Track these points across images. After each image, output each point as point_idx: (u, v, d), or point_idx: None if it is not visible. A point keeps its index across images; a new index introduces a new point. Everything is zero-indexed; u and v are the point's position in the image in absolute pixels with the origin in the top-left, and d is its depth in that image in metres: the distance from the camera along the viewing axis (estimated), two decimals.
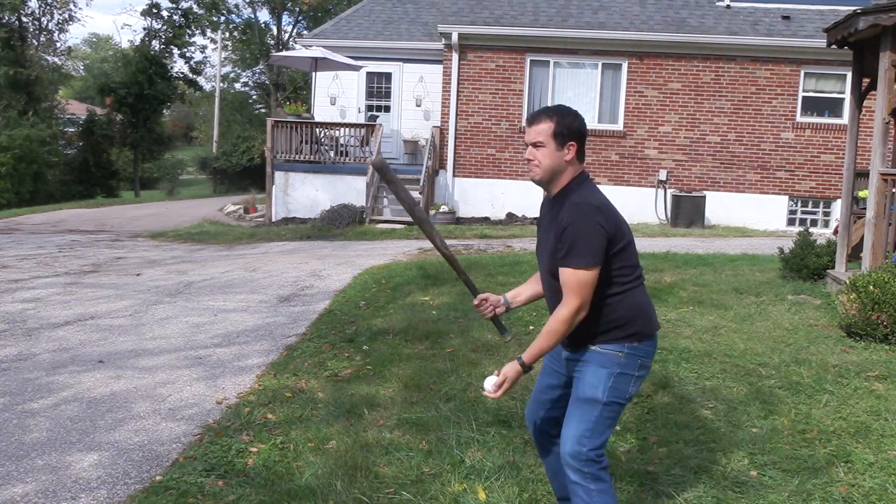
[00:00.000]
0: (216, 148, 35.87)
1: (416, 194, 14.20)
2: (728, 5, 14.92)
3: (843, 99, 14.08)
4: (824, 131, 14.48)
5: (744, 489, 3.31)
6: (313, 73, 16.40)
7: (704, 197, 14.11)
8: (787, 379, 4.63)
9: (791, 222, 14.68)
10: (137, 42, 32.27)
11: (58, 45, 32.08)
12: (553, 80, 14.71)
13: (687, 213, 13.91)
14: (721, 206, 14.48)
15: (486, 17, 14.77)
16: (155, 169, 34.83)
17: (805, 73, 14.40)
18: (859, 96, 7.28)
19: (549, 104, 15.05)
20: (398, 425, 4.04)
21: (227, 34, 39.70)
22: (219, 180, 32.78)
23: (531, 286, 2.93)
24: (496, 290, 7.09)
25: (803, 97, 14.47)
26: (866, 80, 7.19)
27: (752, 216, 14.50)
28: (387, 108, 17.01)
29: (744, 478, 3.40)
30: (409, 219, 13.74)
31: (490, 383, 2.61)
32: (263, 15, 58.22)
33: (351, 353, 5.41)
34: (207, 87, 40.19)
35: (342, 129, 15.32)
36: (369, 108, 17.06)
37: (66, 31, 56.19)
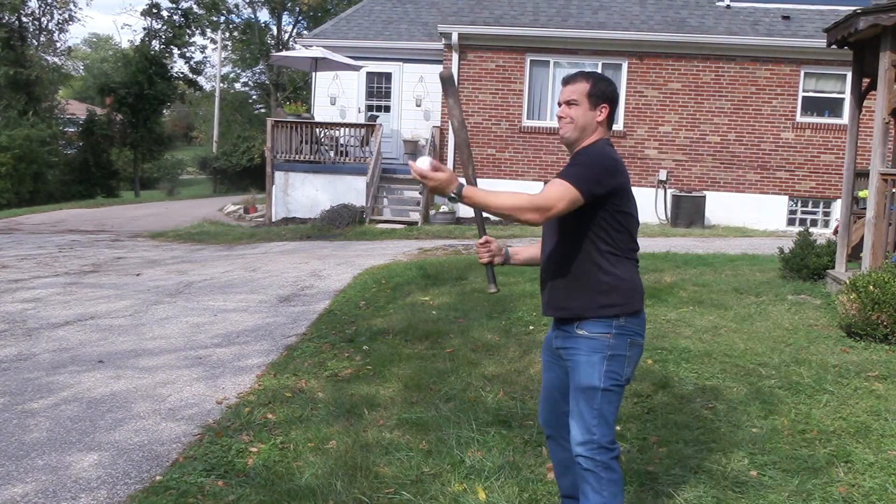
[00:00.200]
0: (216, 148, 35.87)
1: (415, 194, 14.23)
2: (728, 5, 14.92)
3: (843, 99, 14.09)
4: (824, 131, 14.48)
5: (744, 489, 3.30)
6: (313, 73, 16.40)
7: (704, 197, 14.11)
8: (787, 379, 4.62)
9: (791, 222, 14.68)
10: (137, 42, 32.30)
11: (58, 45, 32.09)
12: (553, 79, 14.71)
13: (687, 213, 13.91)
14: (721, 206, 14.48)
15: (486, 17, 14.78)
16: (155, 169, 34.83)
17: (805, 73, 14.40)
18: (859, 96, 7.27)
19: (550, 104, 15.14)
20: (398, 425, 4.04)
21: (227, 34, 39.69)
22: (219, 180, 32.78)
23: (532, 249, 2.92)
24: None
25: (803, 97, 14.48)
26: (866, 80, 7.19)
27: (752, 216, 14.50)
28: (387, 108, 17.01)
29: (744, 478, 3.40)
30: (409, 219, 13.87)
31: (423, 163, 2.50)
32: (263, 15, 58.21)
33: (351, 353, 5.41)
34: (207, 87, 40.23)
35: (342, 129, 15.32)
36: (369, 108, 17.06)
37: (66, 31, 56.39)
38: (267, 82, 38.91)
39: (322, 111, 16.71)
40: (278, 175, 14.82)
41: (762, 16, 14.71)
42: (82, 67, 51.07)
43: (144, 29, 31.53)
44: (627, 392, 4.35)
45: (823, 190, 14.61)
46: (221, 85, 39.96)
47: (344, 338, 5.82)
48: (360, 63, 15.67)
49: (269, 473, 3.50)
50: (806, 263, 7.46)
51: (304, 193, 14.75)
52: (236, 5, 38.31)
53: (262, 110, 41.12)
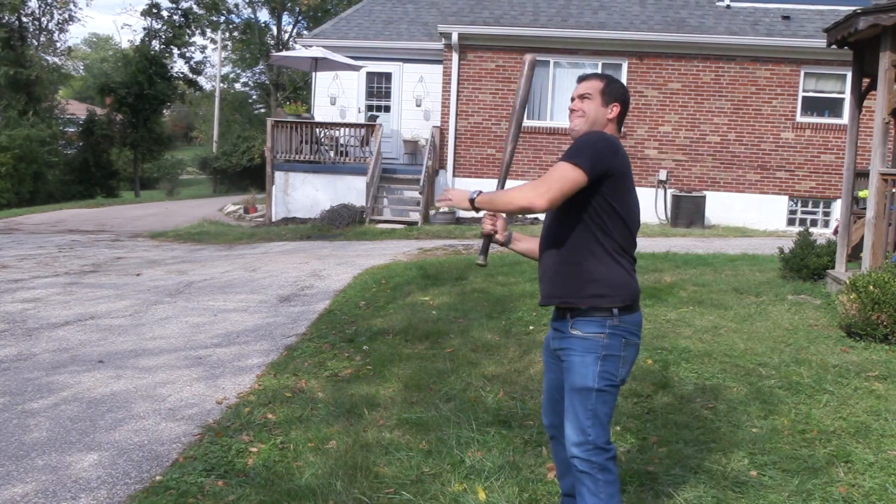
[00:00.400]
0: (216, 148, 35.88)
1: (415, 194, 14.23)
2: (728, 5, 14.92)
3: (843, 99, 14.09)
4: (824, 131, 14.48)
5: (744, 489, 3.30)
6: (313, 73, 16.40)
7: (704, 197, 14.11)
8: (787, 379, 4.62)
9: (791, 222, 14.68)
10: (137, 42, 32.29)
11: (58, 45, 32.08)
12: (553, 79, 14.71)
13: (687, 213, 13.91)
14: (721, 206, 14.48)
15: (486, 17, 14.77)
16: (155, 169, 34.81)
17: (805, 73, 14.40)
18: (859, 96, 7.27)
19: (550, 104, 15.12)
20: (398, 425, 4.04)
21: (227, 34, 39.70)
22: (219, 180, 32.79)
23: (531, 241, 2.93)
24: (496, 290, 7.13)
25: (803, 97, 14.48)
26: (866, 80, 7.19)
27: (752, 216, 14.50)
28: (387, 108, 17.01)
29: (744, 478, 3.40)
30: (409, 219, 13.87)
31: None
32: (263, 15, 58.21)
33: (351, 353, 5.41)
34: (207, 87, 40.23)
35: (342, 129, 15.32)
36: (369, 108, 17.06)
37: (66, 31, 56.34)
38: (267, 82, 38.91)
39: (322, 111, 16.71)
40: (278, 175, 14.82)
41: (762, 16, 14.72)
42: (82, 67, 51.06)
43: (144, 29, 31.56)
44: (627, 392, 4.36)
45: (823, 190, 14.61)
46: (221, 85, 39.98)
47: (344, 338, 5.82)
48: (360, 63, 15.67)
49: (269, 473, 3.50)
50: (806, 263, 7.46)
51: (304, 193, 14.75)
52: (236, 5, 38.34)
53: (262, 110, 41.13)
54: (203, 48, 73.07)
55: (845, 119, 13.28)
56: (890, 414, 4.07)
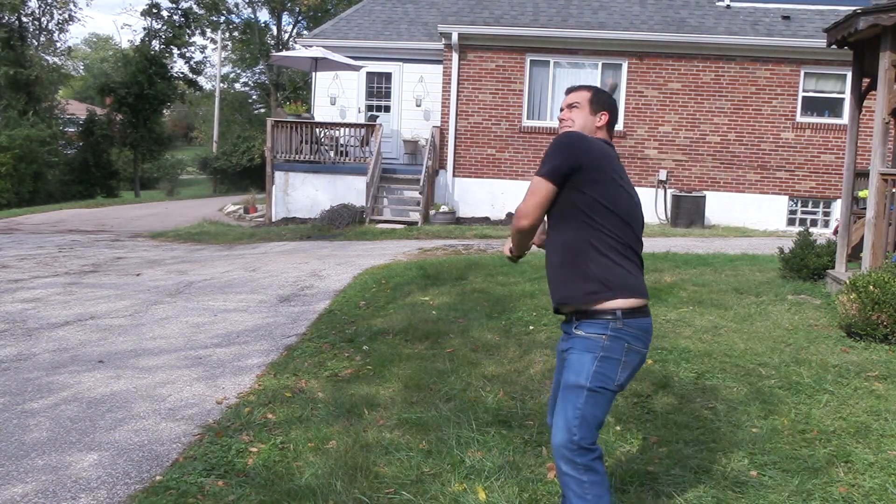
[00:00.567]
0: (216, 148, 35.89)
1: (416, 194, 14.23)
2: (728, 5, 14.92)
3: (843, 99, 14.10)
4: (824, 131, 14.49)
5: (744, 489, 3.30)
6: (313, 73, 16.40)
7: (704, 197, 14.12)
8: (787, 379, 4.62)
9: (791, 222, 14.68)
10: (137, 42, 32.30)
11: (58, 45, 32.08)
12: (553, 79, 14.71)
13: (687, 213, 13.92)
14: (721, 206, 14.48)
15: (486, 17, 14.77)
16: (155, 169, 34.83)
17: (805, 73, 14.40)
18: (859, 96, 7.27)
19: (550, 104, 15.15)
20: (398, 425, 4.04)
21: (227, 34, 39.71)
22: (219, 180, 32.80)
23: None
24: (496, 290, 7.13)
25: (803, 97, 14.48)
26: (866, 80, 7.19)
27: (752, 216, 14.51)
28: (387, 108, 17.01)
29: (744, 478, 3.40)
30: (409, 219, 13.87)
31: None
32: (263, 15, 58.29)
33: (351, 353, 5.41)
34: (207, 87, 40.25)
35: (342, 129, 15.32)
36: (369, 108, 17.06)
37: (66, 31, 56.39)
38: (267, 82, 38.91)
39: (322, 111, 16.72)
40: (278, 175, 14.83)
41: (762, 16, 14.72)
42: (82, 67, 51.09)
43: (144, 29, 31.57)
44: (628, 392, 4.35)
45: (823, 190, 14.62)
46: (221, 85, 39.98)
47: (344, 338, 5.82)
48: (360, 63, 15.67)
49: (269, 473, 3.50)
50: (806, 263, 7.46)
51: (304, 193, 14.75)
52: (236, 5, 38.41)
53: (262, 110, 41.13)
54: (203, 48, 73.28)
55: (845, 119, 13.30)
56: (890, 414, 4.07)
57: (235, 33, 40.15)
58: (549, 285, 2.72)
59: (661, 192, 14.57)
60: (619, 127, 14.54)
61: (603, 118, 2.73)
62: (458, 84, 14.85)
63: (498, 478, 3.38)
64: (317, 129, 15.13)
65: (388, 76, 16.90)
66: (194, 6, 33.55)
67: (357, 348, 5.51)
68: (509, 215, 14.72)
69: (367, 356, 5.29)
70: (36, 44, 30.41)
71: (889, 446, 3.70)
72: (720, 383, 4.60)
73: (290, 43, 36.72)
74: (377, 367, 5.03)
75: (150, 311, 6.89)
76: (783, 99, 14.44)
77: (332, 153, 15.15)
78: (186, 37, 32.60)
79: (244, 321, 6.53)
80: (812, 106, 14.57)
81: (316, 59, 15.26)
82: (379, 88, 17.00)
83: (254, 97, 44.40)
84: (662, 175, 14.56)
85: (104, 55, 53.33)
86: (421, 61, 16.49)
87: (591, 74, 14.69)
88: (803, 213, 14.79)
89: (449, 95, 14.92)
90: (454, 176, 15.03)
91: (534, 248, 2.88)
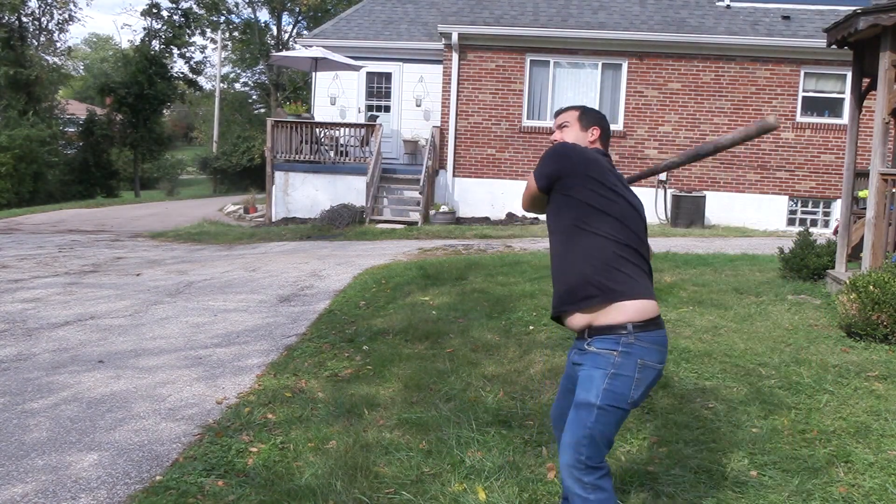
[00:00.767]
0: (216, 148, 35.89)
1: (415, 194, 14.23)
2: (728, 5, 14.92)
3: (843, 99, 14.10)
4: (824, 131, 14.49)
5: (744, 489, 3.30)
6: (313, 73, 16.40)
7: (704, 197, 14.12)
8: (787, 379, 4.63)
9: (791, 222, 14.68)
10: (137, 42, 32.29)
11: (58, 45, 32.08)
12: (553, 79, 14.72)
13: (687, 212, 13.92)
14: (721, 206, 14.49)
15: (486, 17, 14.77)
16: (155, 169, 34.83)
17: (805, 73, 14.41)
18: (859, 96, 7.27)
19: (550, 104, 15.16)
20: (398, 425, 4.04)
21: (227, 34, 39.71)
22: (219, 180, 32.80)
23: None
24: (496, 290, 7.13)
25: (803, 97, 14.48)
26: (866, 80, 7.19)
27: (752, 216, 14.51)
28: (387, 108, 17.01)
29: (744, 478, 3.40)
30: (409, 219, 13.87)
31: None
32: (263, 15, 58.27)
33: (351, 353, 5.41)
34: (207, 87, 40.24)
35: (342, 129, 15.32)
36: (369, 108, 17.06)
37: (66, 31, 56.35)
38: (267, 82, 38.92)
39: (322, 111, 16.72)
40: (278, 175, 14.83)
41: (762, 16, 14.72)
42: (82, 67, 51.09)
43: (144, 29, 31.57)
44: None
45: (823, 190, 14.62)
46: (221, 85, 39.98)
47: (344, 338, 5.82)
48: (360, 63, 15.67)
49: (269, 473, 3.50)
50: (806, 263, 7.46)
51: (304, 193, 14.75)
52: (236, 5, 38.38)
53: (262, 110, 41.13)
54: (203, 48, 73.20)
55: (845, 119, 13.29)
56: (890, 414, 4.07)
57: (235, 33, 40.16)
58: (554, 291, 2.70)
59: (661, 191, 14.57)
60: (619, 127, 14.58)
61: (594, 132, 2.78)
62: (458, 84, 14.85)
63: (498, 478, 3.38)
64: (317, 129, 15.13)
65: (388, 76, 16.90)
66: (194, 6, 33.58)
67: (357, 348, 5.51)
68: (509, 215, 14.73)
69: (367, 356, 5.29)
70: (36, 44, 30.41)
71: (889, 446, 3.70)
72: (720, 383, 4.60)
73: (290, 43, 36.73)
74: (377, 367, 5.03)
75: (150, 311, 6.89)
76: (783, 99, 14.45)
77: (332, 153, 15.15)
78: (186, 37, 32.60)
79: (244, 321, 6.53)
80: (812, 106, 14.58)
81: (316, 59, 15.26)
82: (379, 88, 17.00)
83: (254, 97, 44.41)
84: (662, 175, 14.56)
85: (104, 55, 53.34)
86: (421, 61, 16.49)
87: (591, 74, 14.69)
88: (803, 213, 14.79)
89: (449, 95, 14.92)
90: (454, 176, 15.03)
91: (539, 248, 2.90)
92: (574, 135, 2.76)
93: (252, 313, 6.82)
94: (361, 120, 16.35)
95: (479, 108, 14.92)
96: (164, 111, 37.40)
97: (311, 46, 16.26)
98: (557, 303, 2.63)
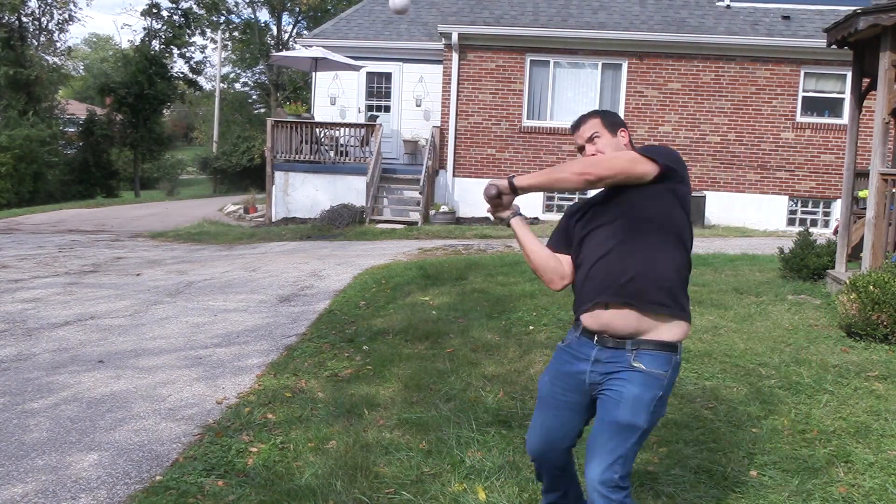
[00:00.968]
0: (216, 148, 35.88)
1: (415, 194, 14.23)
2: (728, 5, 14.92)
3: (843, 99, 14.09)
4: (824, 131, 14.49)
5: (744, 489, 3.30)
6: (313, 73, 16.40)
7: (704, 197, 14.11)
8: (787, 379, 4.63)
9: (791, 222, 14.68)
10: (137, 42, 32.29)
11: (58, 45, 32.07)
12: (553, 79, 14.72)
13: None
14: (721, 206, 14.48)
15: (486, 17, 14.78)
16: (155, 169, 34.83)
17: (805, 73, 14.40)
18: (859, 96, 7.28)
19: (550, 104, 15.14)
20: (398, 425, 4.04)
21: (227, 34, 39.71)
22: (219, 180, 32.80)
23: (537, 242, 2.90)
24: (496, 290, 7.13)
25: (803, 97, 14.48)
26: (866, 80, 7.19)
27: (752, 216, 14.50)
28: (387, 108, 17.01)
29: (744, 478, 3.40)
30: (409, 219, 13.87)
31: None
32: (263, 15, 58.23)
33: (351, 353, 5.41)
34: (207, 87, 40.24)
35: (342, 129, 15.32)
36: (369, 108, 17.06)
37: (66, 31, 56.30)
38: (267, 82, 38.92)
39: (322, 111, 16.72)
40: (278, 175, 14.83)
41: (762, 16, 14.72)
42: (82, 67, 51.09)
43: (144, 29, 31.56)
44: None
45: (823, 190, 14.62)
46: (221, 85, 39.98)
47: (344, 338, 5.82)
48: (360, 63, 15.67)
49: (269, 473, 3.50)
50: (806, 263, 7.46)
51: (304, 193, 14.75)
52: (236, 5, 38.41)
53: (262, 110, 41.13)
54: (203, 48, 73.19)
55: (845, 119, 13.29)
56: (890, 414, 4.07)
57: (235, 33, 40.17)
58: (596, 294, 2.46)
59: None
60: None
61: (625, 135, 2.60)
62: (458, 84, 14.85)
63: (498, 478, 3.38)
64: (317, 129, 15.13)
65: (388, 76, 16.90)
66: (194, 6, 33.57)
67: (357, 348, 5.51)
68: None
69: (367, 356, 5.29)
70: (36, 44, 30.41)
71: (889, 446, 3.70)
72: (720, 383, 4.60)
73: (290, 43, 36.74)
74: (377, 367, 5.03)
75: (150, 311, 6.88)
76: (783, 99, 14.44)
77: (332, 153, 15.14)
78: (186, 37, 32.60)
79: (244, 321, 6.53)
80: (812, 106, 14.57)
81: (316, 59, 15.26)
82: (379, 88, 17.00)
83: (254, 97, 44.42)
84: None
85: (104, 55, 53.34)
86: (421, 61, 16.49)
87: (591, 74, 14.69)
88: (803, 213, 14.79)
89: (449, 95, 14.92)
90: (454, 176, 15.03)
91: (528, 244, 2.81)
92: (609, 143, 2.57)
93: (252, 313, 6.82)
94: (361, 120, 16.35)
95: (479, 108, 14.92)
96: (164, 111, 37.40)
97: (311, 46, 16.26)
98: (611, 293, 2.40)
